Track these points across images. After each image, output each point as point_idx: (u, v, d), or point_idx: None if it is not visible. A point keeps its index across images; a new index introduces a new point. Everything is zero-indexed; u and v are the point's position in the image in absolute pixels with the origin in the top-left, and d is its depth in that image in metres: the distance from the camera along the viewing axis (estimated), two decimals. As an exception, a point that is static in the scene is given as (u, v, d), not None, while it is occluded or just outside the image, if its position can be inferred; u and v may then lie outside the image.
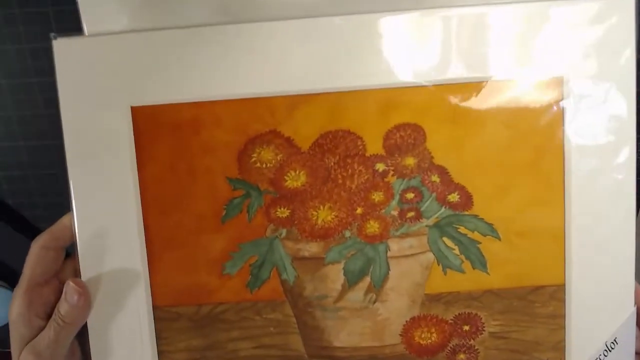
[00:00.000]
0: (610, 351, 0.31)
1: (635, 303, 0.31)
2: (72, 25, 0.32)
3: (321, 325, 0.32)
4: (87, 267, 0.31)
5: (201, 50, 0.29)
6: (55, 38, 0.30)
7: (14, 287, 0.38)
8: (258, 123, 0.30)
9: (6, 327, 0.39)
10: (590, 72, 0.29)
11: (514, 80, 0.29)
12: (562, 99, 0.29)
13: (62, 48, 0.30)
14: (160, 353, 0.32)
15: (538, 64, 0.29)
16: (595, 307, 0.31)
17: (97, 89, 0.30)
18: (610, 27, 0.29)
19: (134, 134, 0.30)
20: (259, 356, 0.32)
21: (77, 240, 0.31)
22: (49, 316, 0.30)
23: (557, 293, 0.31)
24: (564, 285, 0.31)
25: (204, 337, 0.32)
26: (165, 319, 0.32)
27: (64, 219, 0.31)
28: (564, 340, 0.31)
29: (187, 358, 0.32)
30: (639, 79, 0.30)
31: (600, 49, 0.29)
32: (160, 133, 0.30)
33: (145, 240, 0.31)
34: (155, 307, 0.31)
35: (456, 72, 0.29)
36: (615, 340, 0.31)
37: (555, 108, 0.30)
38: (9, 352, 0.42)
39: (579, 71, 0.29)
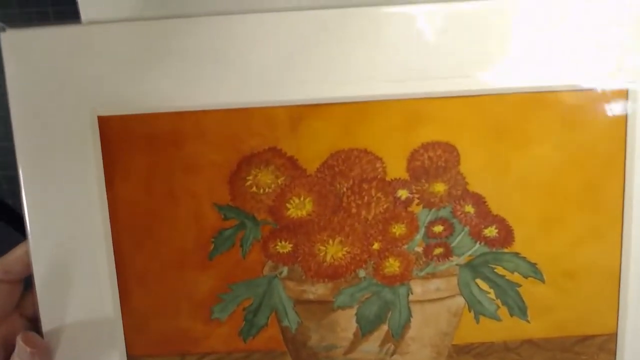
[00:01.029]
0: (667, 412, 0.27)
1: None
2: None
3: (328, 380, 0.27)
4: (47, 310, 0.26)
5: (186, 47, 0.24)
6: (3, 30, 0.24)
7: None
8: (254, 139, 0.25)
9: None
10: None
11: (568, 92, 0.24)
12: (625, 116, 0.24)
13: (14, 41, 0.24)
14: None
15: (598, 75, 0.24)
16: (653, 361, 0.26)
17: (56, 94, 0.24)
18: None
19: (101, 149, 0.25)
20: (253, 416, 0.27)
21: (34, 275, 0.26)
22: (9, 357, 0.25)
23: (607, 344, 0.26)
24: (616, 334, 0.26)
25: (188, 393, 0.27)
26: (141, 370, 0.26)
27: (18, 248, 0.26)
28: (614, 398, 0.27)
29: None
30: None
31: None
32: (133, 148, 0.25)
33: (117, 275, 0.26)
34: (130, 357, 0.26)
35: (498, 80, 0.24)
36: (673, 398, 0.27)
37: (616, 126, 0.24)
38: None
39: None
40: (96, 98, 0.24)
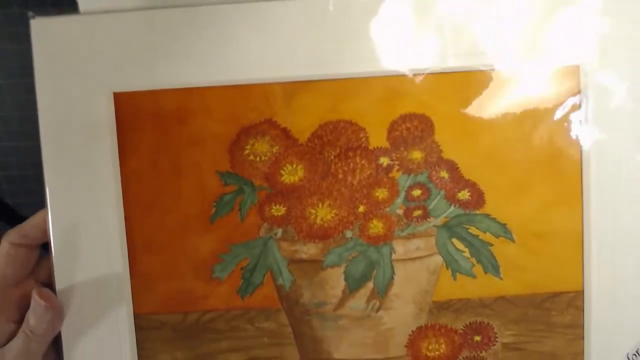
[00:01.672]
0: (633, 364, 0.29)
1: (659, 311, 0.29)
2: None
3: (319, 335, 0.29)
4: (62, 270, 0.28)
5: (189, 31, 0.27)
6: (33, 17, 0.27)
7: None
8: (252, 112, 0.28)
9: None
10: (610, 61, 0.27)
11: (526, 69, 0.27)
12: (579, 91, 0.27)
13: (40, 28, 0.27)
14: (140, 367, 0.29)
15: (553, 53, 0.27)
16: (616, 315, 0.29)
17: (76, 74, 0.28)
18: (633, 15, 0.27)
19: (115, 123, 0.28)
20: (250, 370, 0.29)
21: (51, 239, 0.28)
22: (21, 320, 0.27)
23: (575, 300, 0.29)
24: (583, 291, 0.29)
25: (190, 349, 0.29)
26: (147, 328, 0.29)
27: (37, 215, 0.29)
28: (582, 352, 0.29)
29: (170, 373, 0.29)
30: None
31: (621, 37, 0.27)
32: (144, 122, 0.28)
33: (126, 240, 0.28)
34: (136, 315, 0.29)
35: (467, 59, 0.27)
36: (637, 352, 0.29)
37: (571, 100, 0.27)
38: None
39: (598, 60, 0.27)
40: (112, 77, 0.27)
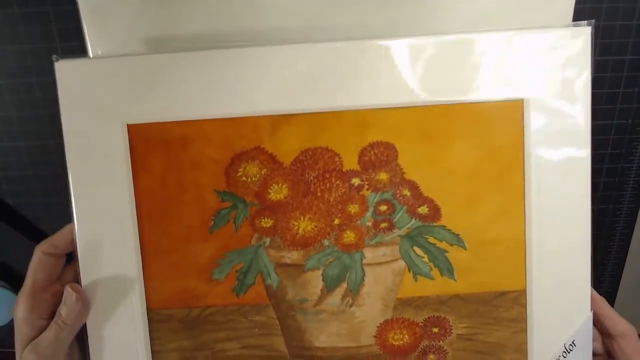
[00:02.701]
0: (569, 352, 0.34)
1: (591, 308, 0.33)
2: (72, 26, 0.34)
3: (302, 327, 0.34)
4: (87, 273, 0.34)
5: (191, 73, 0.32)
6: (57, 60, 0.32)
7: (14, 287, 0.41)
8: (243, 140, 0.33)
9: (6, 327, 0.41)
10: (550, 94, 0.32)
11: (480, 102, 0.32)
12: (522, 119, 0.32)
13: (64, 69, 0.32)
14: (153, 353, 0.34)
15: (502, 87, 0.32)
16: (555, 311, 0.34)
17: (94, 108, 0.32)
18: (570, 53, 0.32)
19: (129, 150, 0.33)
20: (245, 356, 0.34)
21: (78, 248, 0.34)
22: (51, 317, 0.33)
23: (519, 298, 0.34)
24: (525, 290, 0.34)
25: (194, 338, 0.34)
26: (158, 320, 0.34)
27: (66, 229, 0.34)
28: (526, 342, 0.34)
29: (178, 358, 0.34)
30: (594, 98, 0.33)
31: (559, 72, 0.32)
32: (153, 149, 0.33)
33: (140, 247, 0.34)
34: (149, 309, 0.34)
35: (426, 95, 0.32)
36: (573, 342, 0.34)
37: (517, 128, 0.32)
38: (9, 352, 0.44)
39: (540, 93, 0.32)
40: (125, 111, 0.32)
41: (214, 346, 0.34)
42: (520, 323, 0.34)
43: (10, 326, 0.40)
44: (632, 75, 0.36)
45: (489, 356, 0.34)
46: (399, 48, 0.31)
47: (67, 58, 0.32)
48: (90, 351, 0.34)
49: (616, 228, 0.41)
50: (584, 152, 0.32)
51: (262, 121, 0.33)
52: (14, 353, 0.32)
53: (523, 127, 0.32)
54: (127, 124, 0.33)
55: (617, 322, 0.33)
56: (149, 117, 0.33)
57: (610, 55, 0.36)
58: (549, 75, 0.32)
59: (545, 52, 0.32)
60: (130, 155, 0.33)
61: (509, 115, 0.32)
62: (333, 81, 0.32)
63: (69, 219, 0.39)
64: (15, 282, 0.43)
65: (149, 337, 0.34)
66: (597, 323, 0.34)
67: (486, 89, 0.32)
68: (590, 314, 0.34)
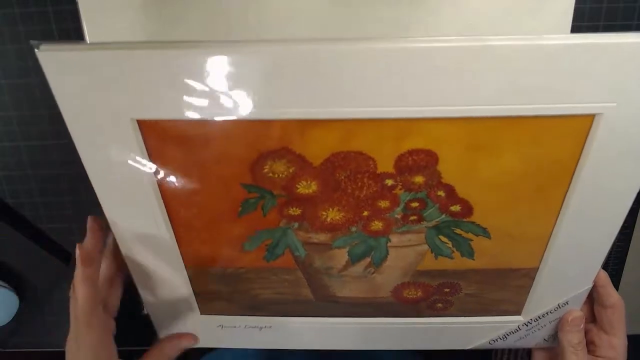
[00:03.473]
0: (560, 308, 0.38)
1: (593, 282, 0.36)
2: (72, 25, 0.33)
3: (327, 284, 0.38)
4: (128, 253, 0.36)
5: (207, 70, 0.26)
6: (37, 47, 0.26)
7: (14, 287, 0.43)
8: (269, 141, 0.30)
9: (6, 327, 0.44)
10: (618, 114, 0.27)
11: (535, 117, 0.27)
12: (586, 137, 0.28)
13: (47, 59, 0.27)
14: (195, 293, 0.39)
15: (563, 102, 0.27)
16: (559, 283, 0.37)
17: (94, 101, 0.28)
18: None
19: (145, 145, 0.30)
20: (276, 299, 0.39)
21: (114, 232, 0.35)
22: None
23: (530, 273, 0.36)
24: (538, 268, 0.36)
25: (231, 285, 0.39)
26: (196, 273, 0.38)
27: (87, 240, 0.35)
28: (525, 300, 0.38)
29: (217, 297, 0.40)
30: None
31: (631, 91, 0.26)
32: (170, 144, 0.30)
33: (173, 229, 0.34)
34: (187, 267, 0.37)
35: (475, 106, 0.27)
36: (567, 302, 0.38)
37: (577, 146, 0.29)
38: (9, 352, 0.48)
39: (615, 113, 0.27)
40: (134, 108, 0.28)
41: (249, 293, 0.39)
42: (525, 288, 0.37)
43: (10, 326, 0.44)
44: None
45: (489, 306, 0.39)
46: (449, 52, 0.25)
47: (50, 45, 0.26)
48: (142, 296, 0.39)
49: None
50: (635, 185, 0.30)
51: (290, 124, 0.29)
52: (14, 353, 0.36)
53: (585, 143, 0.28)
54: (137, 120, 0.29)
55: (612, 294, 0.37)
56: (161, 115, 0.29)
57: None
58: (624, 89, 0.26)
59: (622, 61, 0.25)
60: (147, 149, 0.30)
61: (573, 132, 0.28)
62: (371, 86, 0.27)
63: (69, 219, 0.41)
64: (15, 282, 0.44)
65: (189, 281, 0.38)
66: (594, 291, 0.37)
67: (543, 102, 0.27)
68: (590, 286, 0.37)
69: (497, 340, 0.42)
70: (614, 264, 0.45)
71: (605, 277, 0.37)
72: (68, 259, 0.43)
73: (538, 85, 0.26)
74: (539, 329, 0.40)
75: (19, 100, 0.38)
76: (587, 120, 0.28)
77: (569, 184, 0.30)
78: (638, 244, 0.43)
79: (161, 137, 0.30)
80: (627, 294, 0.43)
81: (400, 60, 0.26)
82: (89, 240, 0.35)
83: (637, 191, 0.31)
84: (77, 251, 0.35)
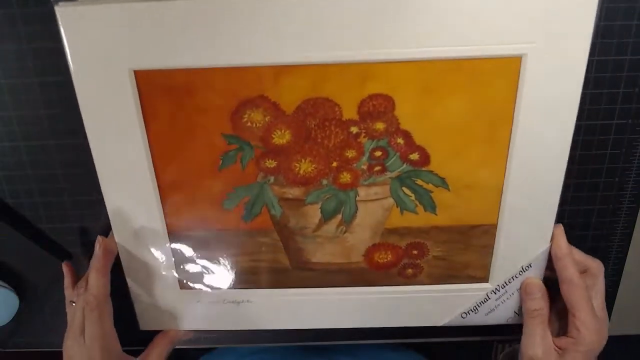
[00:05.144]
0: (524, 272, 0.40)
1: (551, 240, 0.39)
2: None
3: (302, 247, 0.40)
4: (112, 206, 0.38)
5: (194, 21, 0.32)
6: (56, 3, 0.32)
7: (14, 287, 0.44)
8: (247, 89, 0.34)
9: (6, 327, 0.45)
10: (549, 51, 0.32)
11: (479, 58, 0.33)
12: (518, 76, 0.33)
13: (66, 14, 0.32)
14: (176, 263, 0.41)
15: (501, 44, 0.32)
16: (519, 241, 0.39)
17: (102, 54, 0.33)
18: (572, 12, 0.31)
19: (138, 95, 0.34)
20: (253, 267, 0.41)
21: (102, 187, 0.37)
22: None
23: (490, 230, 0.39)
24: (496, 224, 0.39)
25: (210, 252, 0.40)
26: (178, 239, 0.40)
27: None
28: (490, 262, 0.40)
29: (196, 269, 0.41)
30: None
31: (560, 28, 0.32)
32: (161, 95, 0.34)
33: (157, 184, 0.37)
34: (169, 232, 0.39)
35: (428, 50, 0.32)
36: (529, 265, 0.40)
37: (512, 84, 0.33)
38: (9, 352, 0.49)
39: (538, 50, 0.32)
40: (132, 58, 0.33)
41: (228, 259, 0.41)
42: (487, 248, 0.40)
43: (10, 326, 0.44)
44: (632, 75, 0.36)
45: (457, 271, 0.41)
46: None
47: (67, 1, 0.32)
48: (124, 268, 0.40)
49: (616, 228, 0.42)
50: (571, 113, 0.34)
51: (265, 71, 0.33)
52: (14, 353, 0.36)
53: (518, 83, 0.33)
54: (134, 70, 0.33)
55: (567, 267, 0.37)
56: (155, 64, 0.33)
57: (610, 55, 0.35)
58: (549, 31, 0.32)
59: (545, 9, 0.31)
60: (140, 100, 0.34)
61: (506, 72, 0.33)
62: (334, 34, 0.32)
63: (69, 219, 0.42)
64: (15, 282, 0.44)
65: (171, 253, 0.40)
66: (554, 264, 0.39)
67: (485, 44, 0.32)
68: (549, 245, 0.39)
69: (469, 312, 0.43)
70: (614, 264, 0.45)
71: (564, 248, 0.38)
72: (68, 259, 0.43)
73: (467, 25, 0.32)
74: (507, 298, 0.42)
75: (19, 100, 0.38)
76: (515, 62, 0.33)
77: (511, 127, 0.35)
78: (638, 244, 0.43)
79: (154, 88, 0.34)
80: (627, 294, 0.44)
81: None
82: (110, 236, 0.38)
83: (571, 136, 0.35)
84: (99, 243, 0.39)
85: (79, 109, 0.35)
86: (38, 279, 0.45)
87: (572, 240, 0.40)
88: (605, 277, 0.40)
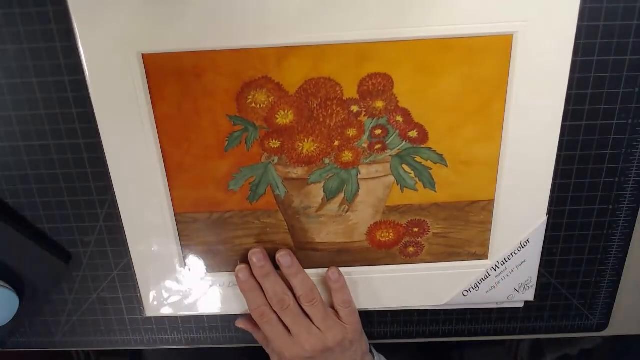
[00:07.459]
0: (523, 248, 0.42)
1: (547, 213, 0.40)
2: (72, 25, 0.34)
3: (305, 227, 0.41)
4: (120, 189, 0.39)
5: (201, 5, 0.33)
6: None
7: (14, 287, 0.44)
8: (251, 70, 0.35)
9: (6, 327, 0.44)
10: (537, 32, 0.34)
11: (472, 36, 0.34)
12: (510, 54, 0.35)
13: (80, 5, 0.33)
14: (183, 247, 0.42)
15: (493, 23, 0.34)
16: (515, 216, 0.40)
17: (109, 37, 0.34)
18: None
19: (146, 78, 0.36)
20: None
21: (110, 169, 0.38)
22: None
23: (487, 206, 0.40)
24: (494, 200, 0.40)
25: (216, 235, 0.41)
26: (185, 222, 0.41)
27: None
28: (488, 239, 0.41)
29: (204, 251, 0.42)
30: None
31: (548, 10, 0.33)
32: (168, 78, 0.36)
33: (165, 165, 0.39)
34: (176, 214, 0.40)
35: (423, 29, 0.34)
36: (528, 240, 0.41)
37: (504, 61, 0.35)
38: (9, 352, 0.49)
39: (529, 29, 0.34)
40: (140, 42, 0.34)
41: (233, 241, 0.42)
42: (486, 224, 0.41)
43: (10, 326, 0.44)
44: (632, 75, 0.36)
45: (457, 249, 0.42)
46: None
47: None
48: (131, 251, 0.41)
49: (616, 228, 0.42)
50: (561, 88, 0.36)
51: (268, 53, 0.35)
52: (14, 353, 0.35)
53: (510, 61, 0.35)
54: (143, 54, 0.35)
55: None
56: (163, 48, 0.35)
57: (610, 55, 0.35)
58: (539, 9, 0.33)
59: None
60: (148, 83, 0.36)
61: (498, 50, 0.35)
62: (334, 15, 0.34)
63: (69, 219, 0.42)
64: (15, 282, 0.44)
65: (178, 235, 0.41)
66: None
67: (478, 23, 0.34)
68: (545, 219, 0.41)
69: (470, 290, 0.44)
70: (614, 264, 0.44)
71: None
72: (68, 259, 0.43)
73: (460, 5, 0.33)
74: (507, 275, 0.43)
75: (19, 100, 0.38)
76: (507, 40, 0.34)
77: (505, 103, 0.36)
78: (638, 244, 0.43)
79: (161, 71, 0.35)
80: (627, 294, 0.44)
81: (354, -10, 0.33)
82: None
83: (562, 112, 0.37)
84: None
85: (79, 109, 0.35)
86: (38, 279, 0.44)
87: (572, 240, 0.41)
88: (606, 277, 0.41)
